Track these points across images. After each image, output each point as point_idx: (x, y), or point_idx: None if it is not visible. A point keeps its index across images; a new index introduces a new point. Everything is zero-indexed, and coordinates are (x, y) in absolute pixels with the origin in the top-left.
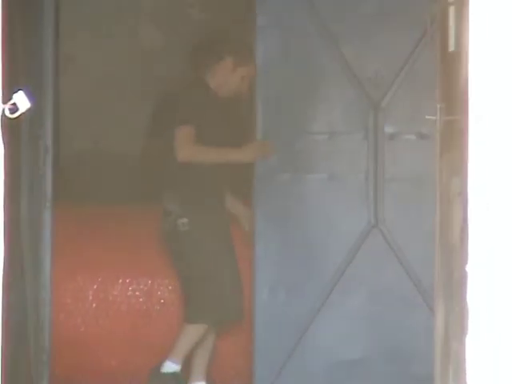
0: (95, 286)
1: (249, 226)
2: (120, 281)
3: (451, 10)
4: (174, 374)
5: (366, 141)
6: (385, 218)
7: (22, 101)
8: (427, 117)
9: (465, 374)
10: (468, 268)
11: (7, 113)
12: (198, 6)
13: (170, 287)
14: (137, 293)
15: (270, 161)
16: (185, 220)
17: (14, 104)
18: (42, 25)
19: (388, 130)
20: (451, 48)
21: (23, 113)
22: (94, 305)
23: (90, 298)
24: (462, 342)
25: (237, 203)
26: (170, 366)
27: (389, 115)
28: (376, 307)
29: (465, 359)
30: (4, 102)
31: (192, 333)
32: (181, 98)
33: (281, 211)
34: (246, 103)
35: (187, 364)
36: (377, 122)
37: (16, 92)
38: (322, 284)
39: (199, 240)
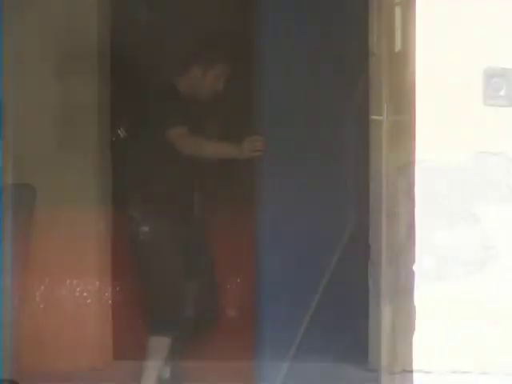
0: (42, 287)
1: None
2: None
3: (397, 11)
4: None
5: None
6: None
7: None
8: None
9: (411, 372)
10: (415, 268)
11: None
12: None
13: (117, 288)
14: (84, 294)
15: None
16: (145, 229)
17: None
18: None
19: None
20: (397, 48)
21: None
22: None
23: (37, 298)
24: (408, 343)
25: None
26: None
27: None
28: None
29: (411, 360)
30: None
31: (157, 345)
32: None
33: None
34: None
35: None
36: None
37: None
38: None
39: (159, 250)
